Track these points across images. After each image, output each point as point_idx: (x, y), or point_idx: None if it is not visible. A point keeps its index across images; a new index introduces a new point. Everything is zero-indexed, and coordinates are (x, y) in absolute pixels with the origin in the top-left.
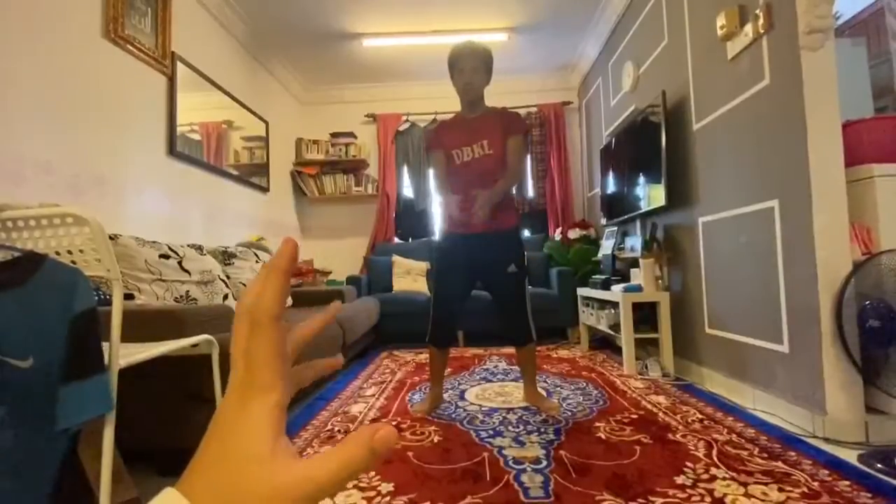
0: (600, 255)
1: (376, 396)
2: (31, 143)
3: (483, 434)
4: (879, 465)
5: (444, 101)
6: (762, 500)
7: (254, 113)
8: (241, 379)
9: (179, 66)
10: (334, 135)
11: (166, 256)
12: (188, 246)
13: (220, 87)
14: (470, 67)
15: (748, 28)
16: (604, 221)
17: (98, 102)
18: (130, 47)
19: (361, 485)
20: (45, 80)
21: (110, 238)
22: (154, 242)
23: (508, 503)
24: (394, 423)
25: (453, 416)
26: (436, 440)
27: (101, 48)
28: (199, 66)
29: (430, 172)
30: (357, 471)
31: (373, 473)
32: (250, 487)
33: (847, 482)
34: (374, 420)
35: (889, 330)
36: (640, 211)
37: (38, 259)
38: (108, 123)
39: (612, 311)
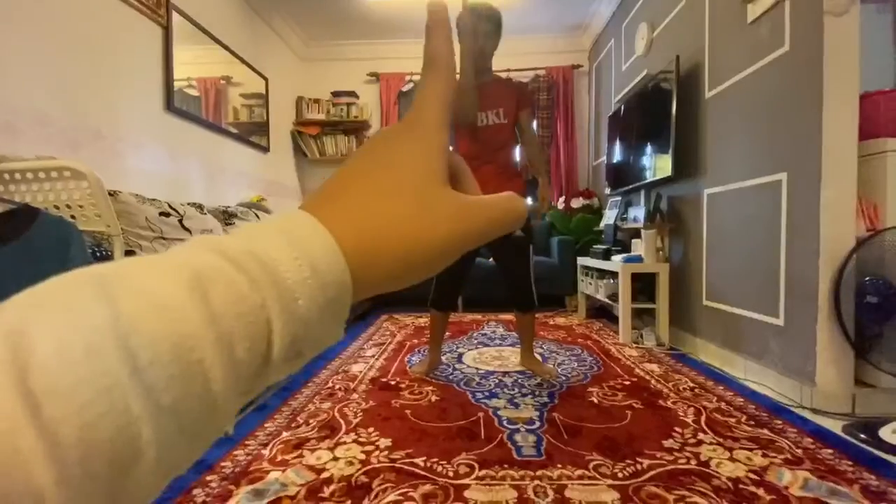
0: (602, 224)
1: (376, 357)
2: (24, 92)
3: (479, 395)
4: (863, 436)
5: None
6: (746, 465)
7: (253, 68)
8: (409, 118)
9: (175, 16)
10: (335, 94)
11: (167, 214)
12: (188, 204)
13: (217, 40)
14: (482, 32)
15: None
16: (608, 191)
17: (92, 52)
18: None
19: (361, 440)
20: (37, 26)
21: (110, 194)
22: (154, 200)
23: (502, 460)
24: (393, 382)
25: (451, 377)
26: (433, 400)
27: None
28: (196, 16)
29: None
30: (498, 231)
31: (371, 429)
32: (435, 205)
33: (830, 450)
34: (373, 380)
35: (886, 306)
36: (646, 181)
37: (32, 213)
38: (103, 75)
39: (612, 281)
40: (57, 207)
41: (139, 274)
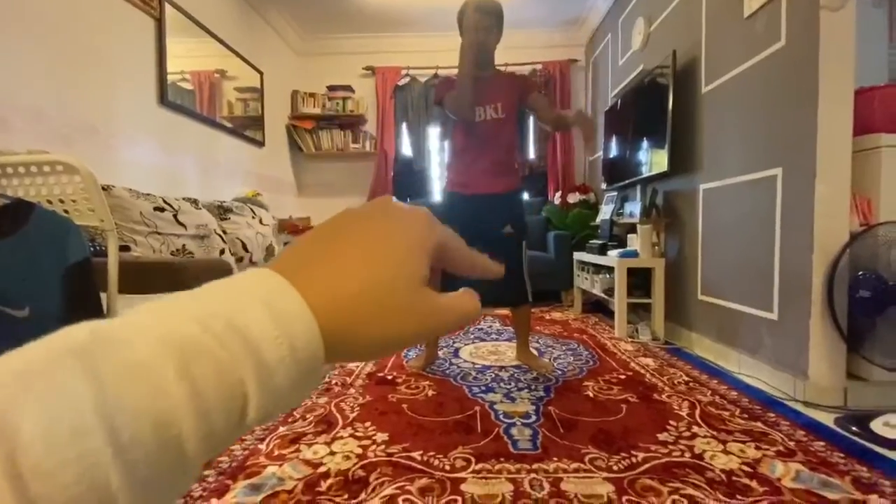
0: (599, 219)
1: None
2: (16, 87)
3: (475, 390)
4: (854, 428)
5: (446, 55)
6: (739, 457)
7: (248, 62)
8: (418, 221)
9: (168, 8)
10: (331, 88)
11: (161, 209)
12: (183, 199)
13: (211, 33)
14: (483, 27)
15: None
16: (604, 186)
17: (84, 45)
18: None
19: (357, 434)
20: (29, 19)
21: (103, 189)
22: (148, 195)
23: (498, 454)
24: (389, 377)
25: (447, 372)
26: (429, 394)
27: None
28: (189, 8)
29: (437, 127)
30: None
31: (368, 423)
32: (394, 300)
33: (822, 443)
34: (370, 375)
35: (879, 301)
36: (642, 176)
37: (28, 207)
38: (96, 68)
39: (607, 276)
40: (50, 202)
41: (123, 346)
